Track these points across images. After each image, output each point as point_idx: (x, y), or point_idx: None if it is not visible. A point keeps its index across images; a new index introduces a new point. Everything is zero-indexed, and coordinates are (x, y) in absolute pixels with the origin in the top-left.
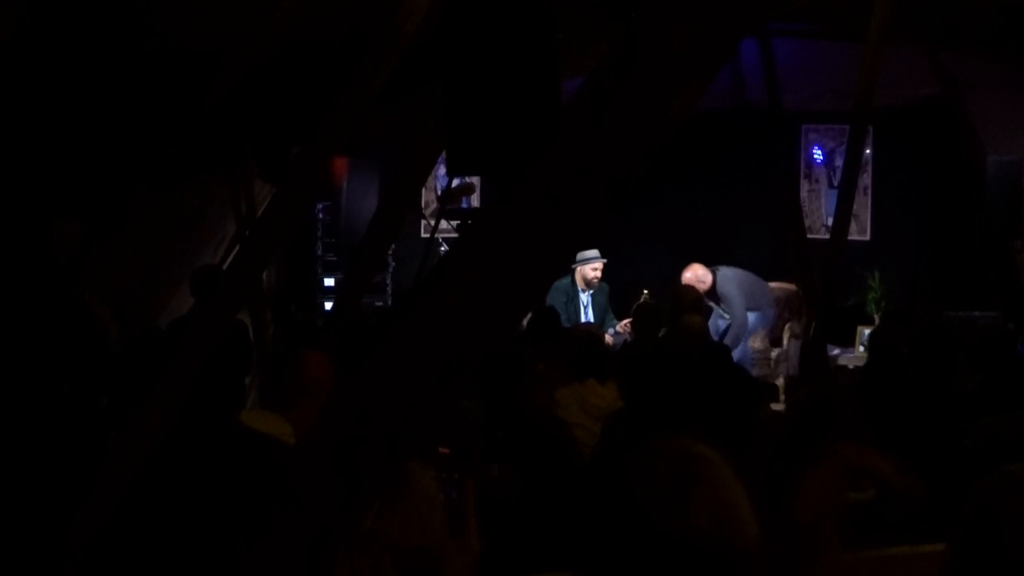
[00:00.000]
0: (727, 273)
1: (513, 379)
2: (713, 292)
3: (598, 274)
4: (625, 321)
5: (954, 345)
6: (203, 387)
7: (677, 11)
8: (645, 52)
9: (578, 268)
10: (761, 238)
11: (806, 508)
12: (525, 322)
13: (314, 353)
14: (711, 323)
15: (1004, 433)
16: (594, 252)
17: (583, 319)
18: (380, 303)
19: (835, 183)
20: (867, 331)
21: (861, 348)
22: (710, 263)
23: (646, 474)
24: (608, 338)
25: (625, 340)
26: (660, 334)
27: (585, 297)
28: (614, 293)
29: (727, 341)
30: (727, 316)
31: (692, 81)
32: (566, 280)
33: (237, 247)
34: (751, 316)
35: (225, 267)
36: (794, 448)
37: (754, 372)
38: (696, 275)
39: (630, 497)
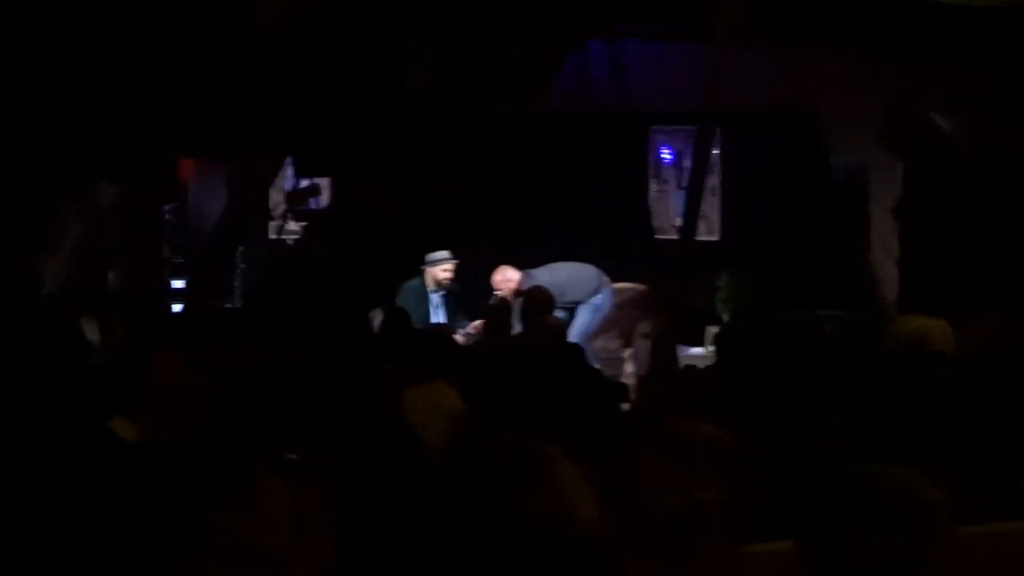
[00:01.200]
0: (534, 274)
1: (363, 381)
2: (519, 293)
3: (449, 275)
4: (477, 322)
5: (802, 344)
6: (47, 390)
7: (517, 16)
8: (487, 54)
9: (428, 269)
10: (611, 239)
11: (649, 488)
12: (377, 324)
13: (165, 355)
14: None
15: (852, 432)
16: (445, 253)
17: (434, 320)
18: (229, 305)
19: (683, 184)
20: (715, 330)
21: (710, 347)
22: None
23: (487, 472)
24: (459, 338)
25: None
26: (512, 334)
27: (436, 298)
28: (464, 295)
29: None
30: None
31: (535, 83)
32: (416, 281)
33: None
34: (582, 311)
35: (72, 270)
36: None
37: (605, 372)
38: (504, 276)
39: (472, 494)
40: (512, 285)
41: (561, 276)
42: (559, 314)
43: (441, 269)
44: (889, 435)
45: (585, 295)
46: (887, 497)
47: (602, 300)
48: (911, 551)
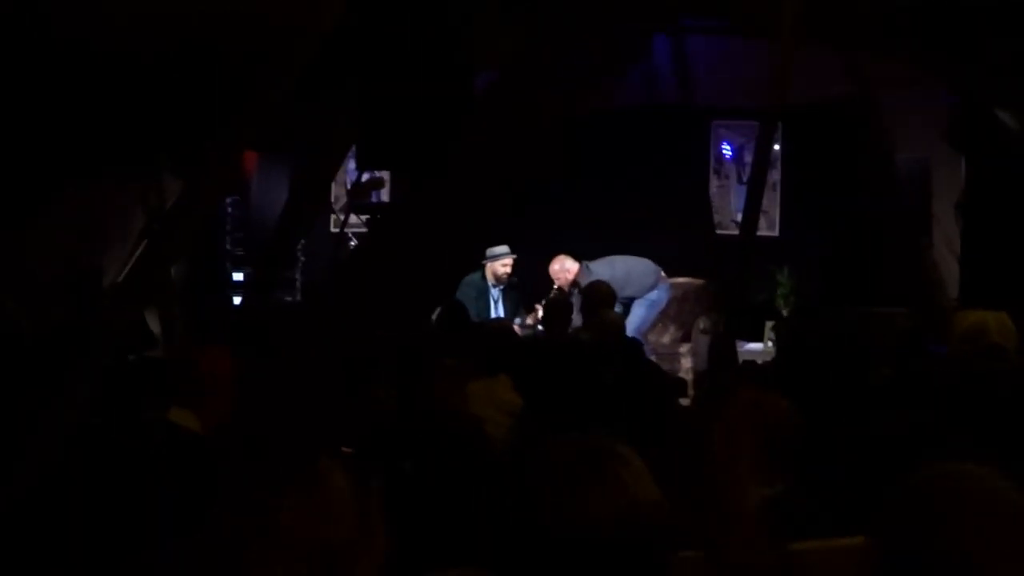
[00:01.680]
0: (592, 267)
1: (424, 374)
2: (576, 284)
3: (508, 270)
4: (536, 314)
5: (863, 340)
6: (117, 381)
7: (586, 11)
8: (554, 50)
9: (488, 264)
10: (671, 233)
11: (722, 452)
12: (435, 317)
13: (213, 348)
14: None
15: (914, 428)
16: (504, 248)
17: (493, 315)
18: (289, 298)
19: (744, 179)
20: (774, 326)
21: (769, 343)
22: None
23: (551, 469)
24: (516, 329)
25: (534, 334)
26: (571, 328)
27: (496, 292)
28: (525, 289)
29: None
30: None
31: (601, 79)
32: (476, 275)
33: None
34: (638, 306)
35: (135, 262)
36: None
37: (664, 366)
38: (563, 266)
39: (536, 491)
40: (570, 276)
41: (620, 270)
42: (637, 307)
43: (501, 264)
44: (947, 433)
45: (642, 290)
46: (973, 497)
47: (658, 296)
48: (994, 553)
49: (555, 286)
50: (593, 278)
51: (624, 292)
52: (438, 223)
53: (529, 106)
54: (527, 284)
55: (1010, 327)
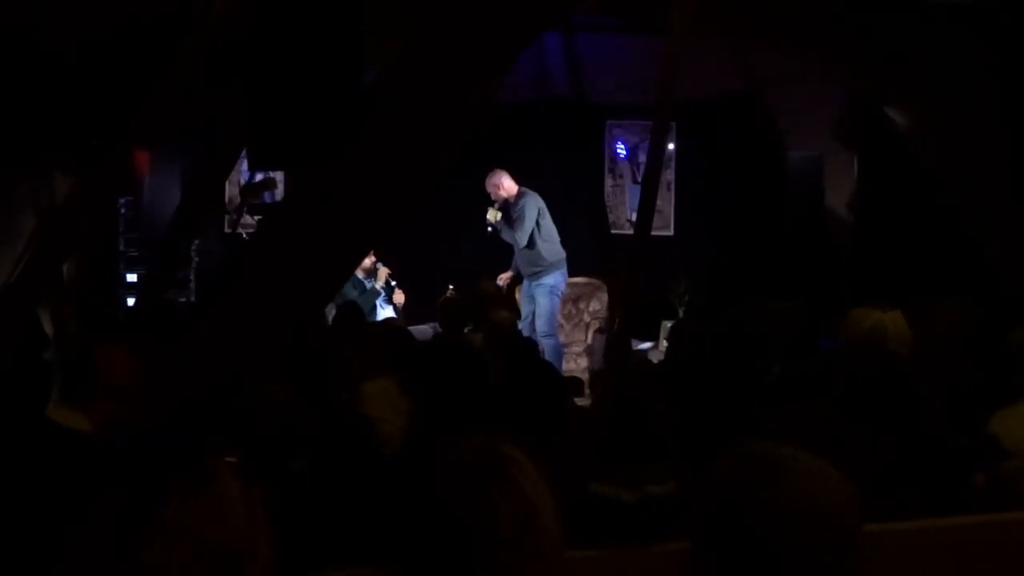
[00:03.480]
0: (537, 199)
1: (318, 373)
2: (508, 204)
3: (373, 258)
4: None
5: (754, 337)
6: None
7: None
8: (444, 44)
9: None
10: (566, 233)
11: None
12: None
13: (107, 348)
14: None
15: (804, 422)
16: None
17: (380, 304)
18: (184, 299)
19: (639, 178)
20: (670, 325)
21: (664, 342)
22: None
23: (450, 472)
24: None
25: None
26: (466, 329)
27: (368, 284)
28: (418, 288)
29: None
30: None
31: (492, 73)
32: None
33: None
34: (540, 297)
35: (26, 263)
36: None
37: (559, 366)
38: (501, 181)
39: (434, 494)
40: (502, 193)
41: (548, 220)
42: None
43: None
44: (836, 426)
45: (557, 257)
46: (782, 491)
47: (556, 280)
48: (809, 547)
49: (450, 287)
50: (530, 207)
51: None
52: (328, 218)
53: (419, 101)
54: (418, 282)
55: (905, 330)
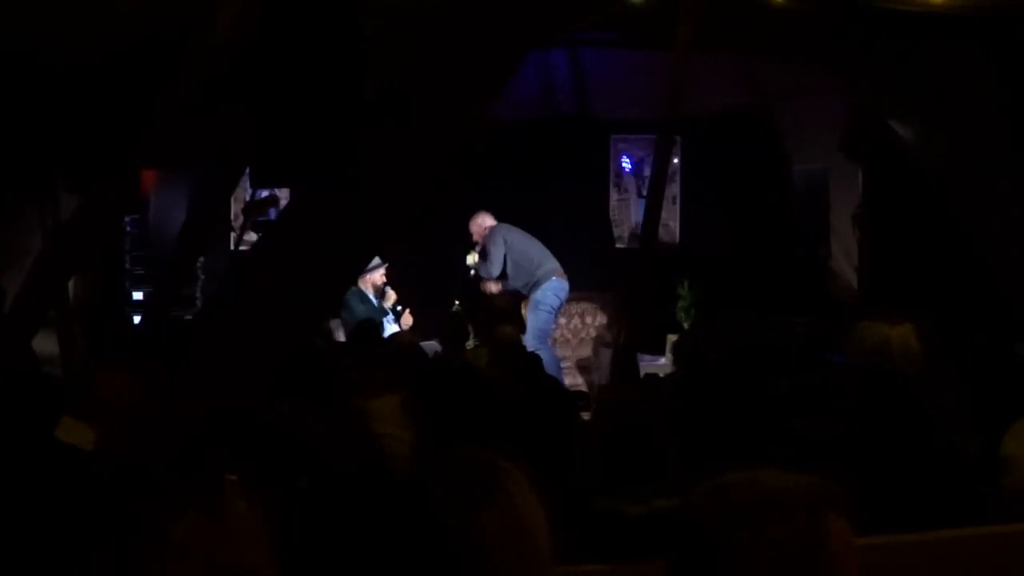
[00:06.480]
0: (504, 230)
1: (327, 389)
2: (483, 243)
3: (384, 279)
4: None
5: (760, 352)
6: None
7: (474, 20)
8: (445, 59)
9: (367, 276)
10: (571, 247)
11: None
12: (338, 334)
13: (111, 372)
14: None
15: (813, 437)
16: (377, 260)
17: (386, 322)
18: (190, 316)
19: (644, 193)
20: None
21: (670, 355)
22: None
23: (439, 485)
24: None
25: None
26: (470, 346)
27: (375, 302)
28: (424, 304)
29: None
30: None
31: (489, 88)
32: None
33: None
34: (531, 314)
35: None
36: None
37: (566, 380)
38: (476, 222)
39: (426, 511)
40: (483, 232)
41: (533, 243)
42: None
43: (379, 275)
44: (841, 440)
45: (536, 276)
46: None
47: (542, 296)
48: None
49: (455, 303)
50: (495, 242)
51: (532, 264)
52: (325, 236)
53: (424, 119)
54: (424, 298)
55: (913, 346)
